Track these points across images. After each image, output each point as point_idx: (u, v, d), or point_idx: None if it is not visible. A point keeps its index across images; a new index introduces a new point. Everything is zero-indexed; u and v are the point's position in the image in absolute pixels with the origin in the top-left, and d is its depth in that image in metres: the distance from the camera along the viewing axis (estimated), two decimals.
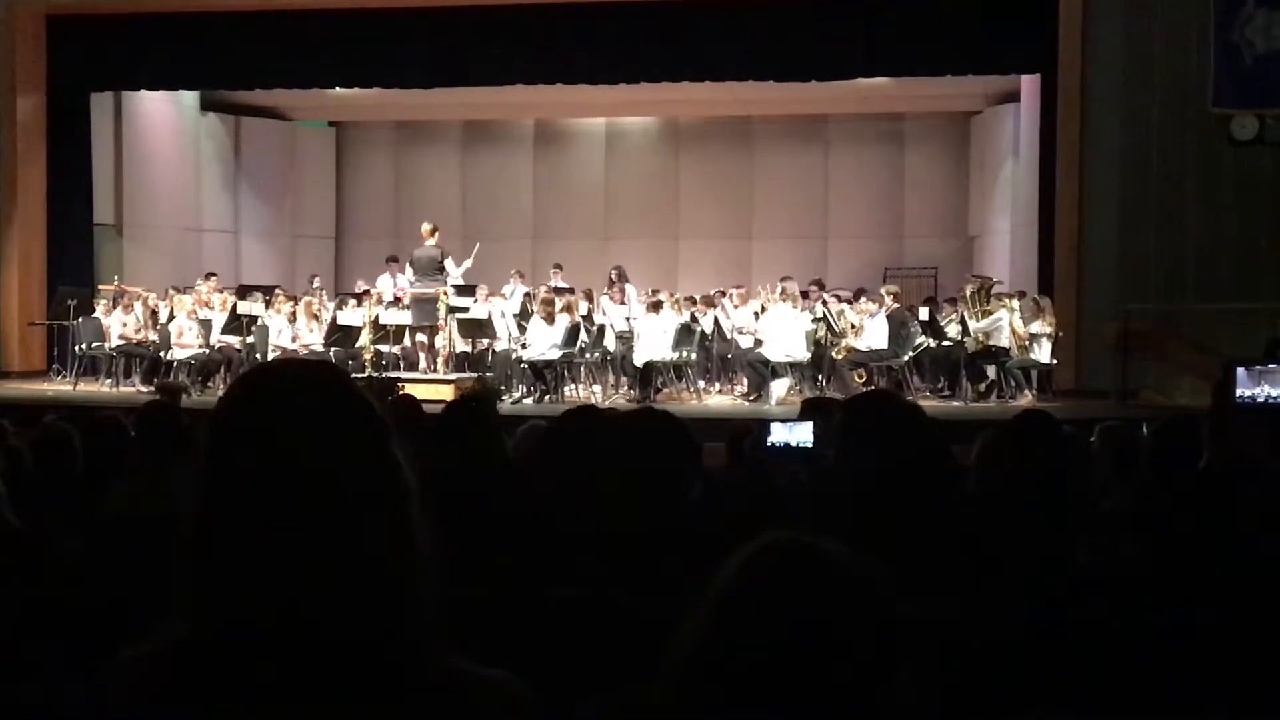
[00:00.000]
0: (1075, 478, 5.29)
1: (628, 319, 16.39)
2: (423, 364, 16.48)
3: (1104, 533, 4.05)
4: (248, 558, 1.53)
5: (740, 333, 15.92)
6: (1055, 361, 14.85)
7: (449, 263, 16.50)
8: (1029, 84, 18.04)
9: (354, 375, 11.17)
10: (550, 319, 15.02)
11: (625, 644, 2.47)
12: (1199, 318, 15.11)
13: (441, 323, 16.01)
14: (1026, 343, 14.67)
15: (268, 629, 1.52)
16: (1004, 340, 14.80)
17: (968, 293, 15.75)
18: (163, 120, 21.36)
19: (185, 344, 15.85)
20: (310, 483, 1.55)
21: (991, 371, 15.14)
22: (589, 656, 2.77)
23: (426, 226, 16.60)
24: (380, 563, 1.56)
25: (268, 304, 16.52)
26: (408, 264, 16.90)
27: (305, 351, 15.54)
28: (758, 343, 15.29)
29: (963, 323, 15.13)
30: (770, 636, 1.56)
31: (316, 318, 16.42)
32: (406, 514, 1.61)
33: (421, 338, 16.61)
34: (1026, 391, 14.62)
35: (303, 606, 1.52)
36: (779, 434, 5.90)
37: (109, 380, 16.23)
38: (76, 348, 16.34)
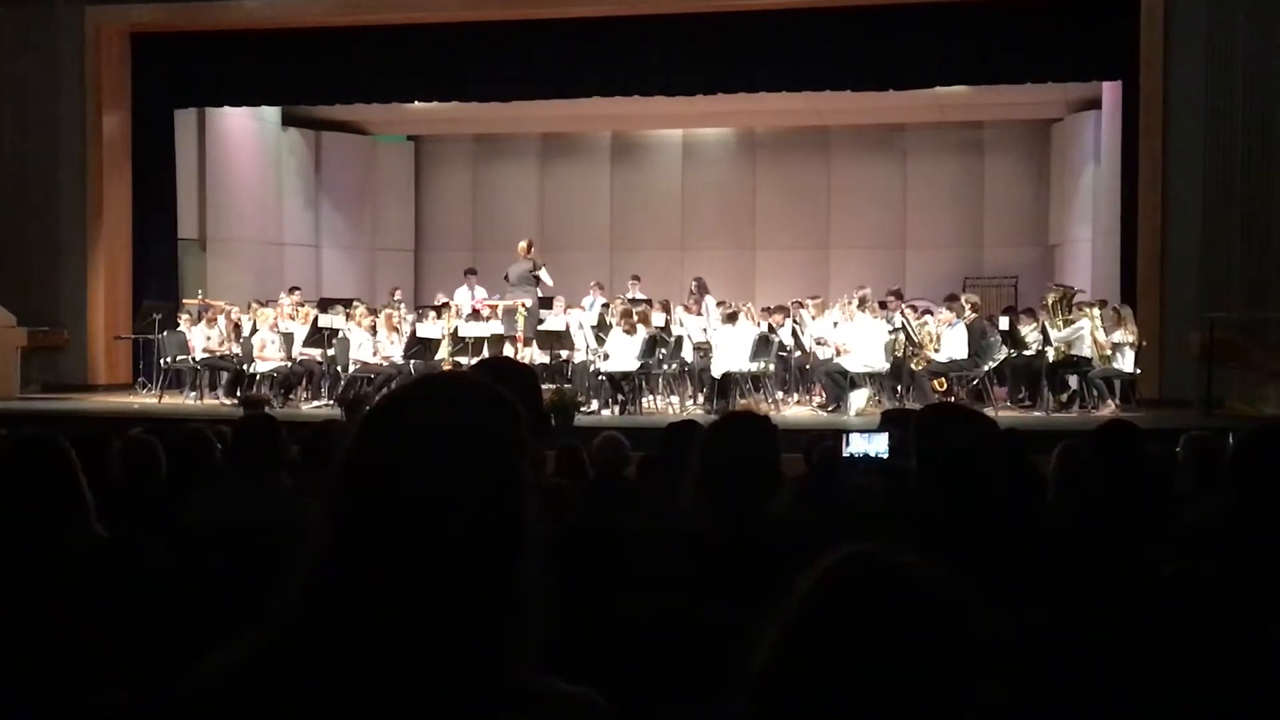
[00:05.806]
0: (1160, 489, 5.23)
1: (704, 330, 16.35)
2: None
3: (1189, 545, 3.99)
4: (367, 569, 1.54)
5: (819, 343, 15.82)
6: (1139, 371, 14.67)
7: (543, 272, 16.87)
8: (1110, 91, 17.82)
9: None
10: (632, 330, 15.04)
11: (702, 655, 2.46)
12: None
13: (520, 334, 16.08)
14: (1109, 352, 14.51)
15: (369, 639, 1.53)
16: (1086, 350, 14.63)
17: (1049, 302, 15.56)
18: (245, 136, 21.66)
19: (267, 357, 16.01)
20: (441, 507, 1.56)
21: (1074, 381, 14.99)
22: (665, 669, 2.77)
23: (523, 245, 17.29)
24: (497, 587, 1.57)
25: (347, 317, 16.64)
26: (504, 278, 17.35)
27: (386, 364, 15.67)
28: (837, 353, 15.19)
29: (1044, 332, 14.96)
30: (848, 650, 1.55)
31: (396, 330, 16.52)
32: (529, 545, 1.62)
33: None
34: (1109, 401, 14.46)
35: (412, 622, 1.53)
36: (857, 444, 5.90)
37: (193, 393, 16.41)
38: (161, 361, 16.54)
